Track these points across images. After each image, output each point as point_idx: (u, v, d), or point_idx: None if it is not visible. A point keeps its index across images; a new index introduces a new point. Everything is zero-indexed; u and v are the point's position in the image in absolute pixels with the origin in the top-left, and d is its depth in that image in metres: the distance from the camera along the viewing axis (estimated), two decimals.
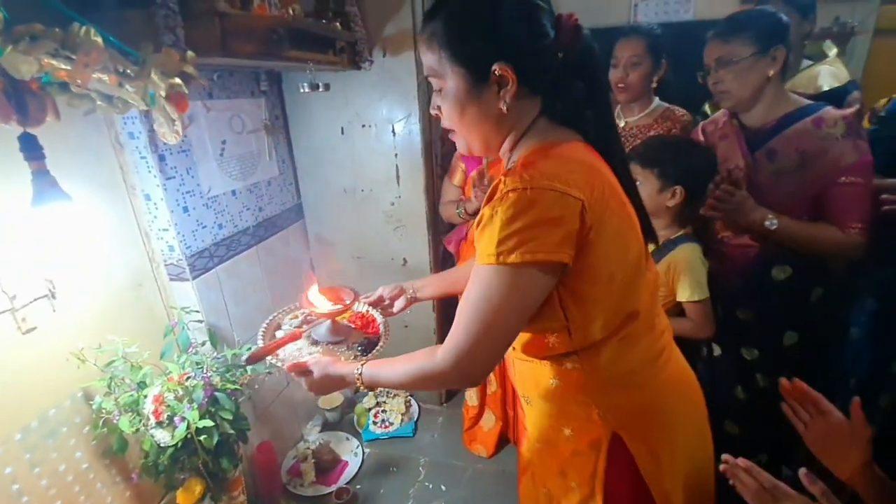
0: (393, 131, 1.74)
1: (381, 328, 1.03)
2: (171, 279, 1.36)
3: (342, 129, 1.78)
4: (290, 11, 1.17)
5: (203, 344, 1.39)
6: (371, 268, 1.97)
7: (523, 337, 0.78)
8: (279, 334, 1.00)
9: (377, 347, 0.97)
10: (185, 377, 1.20)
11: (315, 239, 1.99)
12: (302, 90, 1.40)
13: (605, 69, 1.52)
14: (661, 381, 0.79)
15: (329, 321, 0.99)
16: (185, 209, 1.34)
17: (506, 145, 0.75)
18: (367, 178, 1.84)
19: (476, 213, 1.66)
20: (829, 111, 1.15)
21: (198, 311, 1.38)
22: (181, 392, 1.16)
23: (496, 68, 0.66)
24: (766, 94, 1.18)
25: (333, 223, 1.95)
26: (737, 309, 1.35)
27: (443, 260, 1.99)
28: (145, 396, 1.14)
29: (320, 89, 1.40)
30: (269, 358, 0.91)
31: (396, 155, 1.77)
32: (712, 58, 1.20)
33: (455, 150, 1.95)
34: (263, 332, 1.01)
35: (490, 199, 0.68)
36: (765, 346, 1.34)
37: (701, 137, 1.38)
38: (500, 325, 0.66)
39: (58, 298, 1.05)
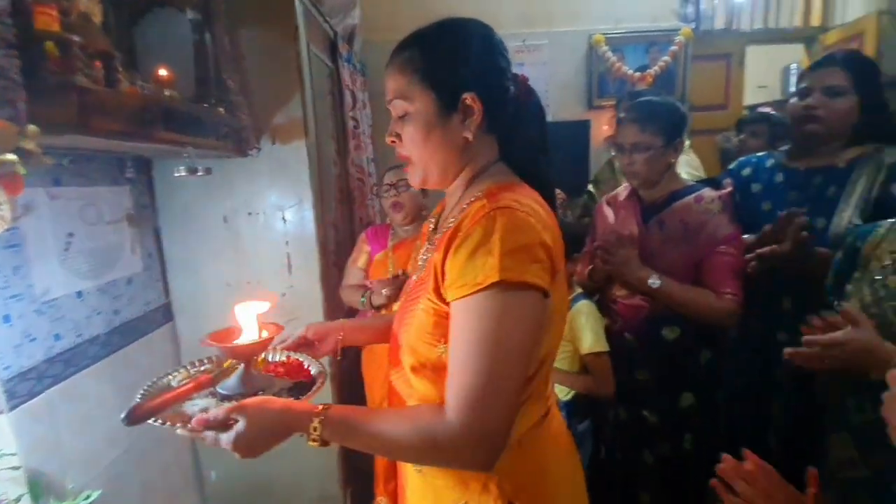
0: (283, 218, 1.63)
1: (314, 370, 0.83)
2: None
3: (225, 217, 1.62)
4: (166, 94, 1.08)
5: (18, 501, 1.02)
6: None
7: (420, 395, 0.70)
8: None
9: (314, 387, 0.77)
10: None
11: (188, 343, 1.70)
12: (178, 174, 1.26)
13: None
14: (546, 443, 0.76)
15: (241, 368, 0.75)
16: (7, 318, 1.05)
17: (459, 180, 0.75)
18: (253, 270, 1.67)
19: (381, 307, 1.59)
20: (708, 191, 1.37)
21: (13, 454, 1.03)
22: None
23: (466, 97, 0.69)
24: (664, 176, 1.38)
25: (213, 322, 1.68)
26: (636, 370, 1.42)
27: (343, 350, 1.83)
28: None
29: (200, 173, 1.27)
30: (153, 420, 0.64)
31: (287, 243, 1.65)
32: (629, 141, 1.36)
33: (358, 233, 1.90)
34: (142, 394, 0.75)
35: (457, 228, 0.64)
36: (663, 409, 1.41)
37: (605, 208, 1.56)
38: (513, 357, 0.59)
39: None
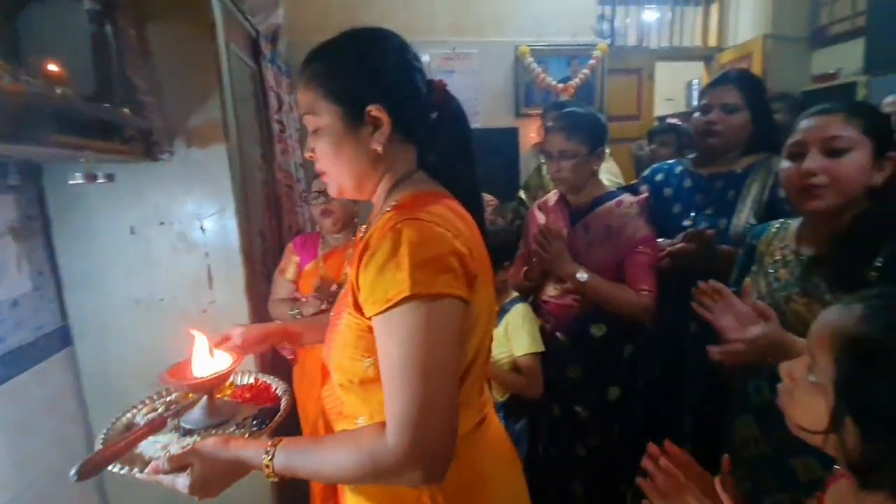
0: (202, 228, 1.51)
1: (280, 392, 0.82)
2: None
3: (132, 228, 1.47)
4: (58, 91, 0.96)
5: None
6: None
7: (351, 411, 0.70)
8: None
9: (278, 415, 0.75)
10: None
11: (91, 370, 1.52)
12: (73, 182, 1.12)
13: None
14: (483, 450, 0.76)
15: (205, 399, 0.73)
16: None
17: (380, 190, 0.73)
18: (167, 285, 1.53)
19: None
20: (627, 196, 1.49)
21: None
22: None
23: (371, 109, 0.68)
24: (589, 183, 1.48)
25: (121, 344, 1.53)
26: (567, 368, 1.48)
27: (272, 365, 1.73)
28: None
29: (100, 180, 1.14)
30: (113, 466, 0.63)
31: (207, 254, 1.53)
32: (556, 149, 1.43)
33: (287, 242, 1.81)
34: (104, 439, 0.70)
35: (366, 244, 0.62)
36: (593, 403, 1.48)
37: (537, 212, 1.63)
38: (442, 369, 0.57)
39: None
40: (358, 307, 0.64)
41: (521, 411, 1.58)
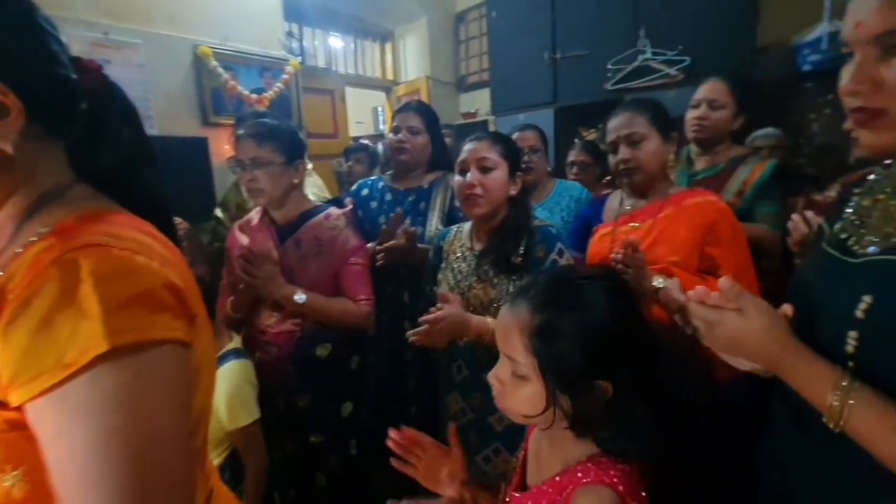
0: None
1: None
2: None
3: None
4: None
5: None
6: None
7: None
8: None
9: None
10: None
11: None
12: None
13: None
14: None
15: None
16: None
17: (5, 213, 0.50)
18: None
19: None
20: (334, 209, 1.48)
21: None
22: None
23: None
24: (292, 197, 1.40)
25: None
26: (296, 397, 1.39)
27: None
28: None
29: None
30: None
31: None
32: (248, 156, 1.31)
33: None
34: None
35: (2, 291, 0.41)
36: (328, 425, 1.43)
37: (238, 234, 1.46)
38: (172, 447, 0.41)
39: None
40: None
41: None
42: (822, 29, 2.24)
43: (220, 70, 3.01)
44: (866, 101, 0.56)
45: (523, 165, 1.75)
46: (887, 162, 0.74)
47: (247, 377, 1.23)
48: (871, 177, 0.73)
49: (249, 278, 1.29)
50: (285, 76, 3.39)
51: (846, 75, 0.57)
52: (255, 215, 1.49)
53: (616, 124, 1.28)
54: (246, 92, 3.15)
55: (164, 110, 2.81)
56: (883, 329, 0.56)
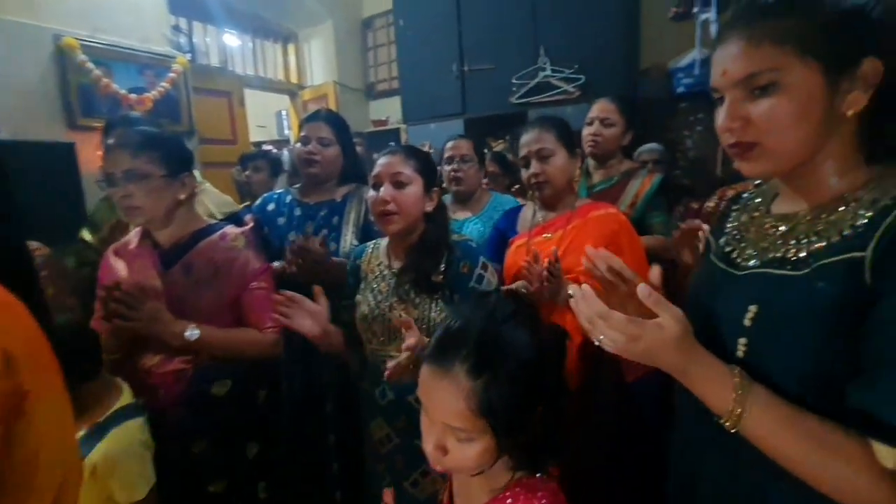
0: None
1: None
2: None
3: None
4: None
5: None
6: None
7: None
8: None
9: None
10: None
11: None
12: None
13: None
14: None
15: None
16: None
17: None
18: None
19: None
20: (231, 228, 1.33)
21: None
22: None
23: None
24: (178, 215, 1.21)
25: None
26: (191, 444, 1.21)
27: None
28: None
29: None
30: None
31: None
32: (121, 169, 1.14)
33: None
34: None
35: None
36: (230, 470, 1.28)
37: (113, 259, 1.25)
38: None
39: None
40: None
41: None
42: (693, 55, 2.54)
43: (90, 65, 2.63)
44: (740, 137, 0.63)
45: (453, 175, 1.76)
46: (757, 182, 0.84)
47: (141, 439, 1.04)
48: (745, 194, 0.81)
49: (131, 318, 1.10)
50: (172, 74, 3.06)
51: (720, 117, 0.65)
52: (133, 237, 1.29)
53: (527, 140, 1.33)
54: (123, 91, 2.79)
55: (18, 108, 2.38)
56: (767, 335, 0.62)
